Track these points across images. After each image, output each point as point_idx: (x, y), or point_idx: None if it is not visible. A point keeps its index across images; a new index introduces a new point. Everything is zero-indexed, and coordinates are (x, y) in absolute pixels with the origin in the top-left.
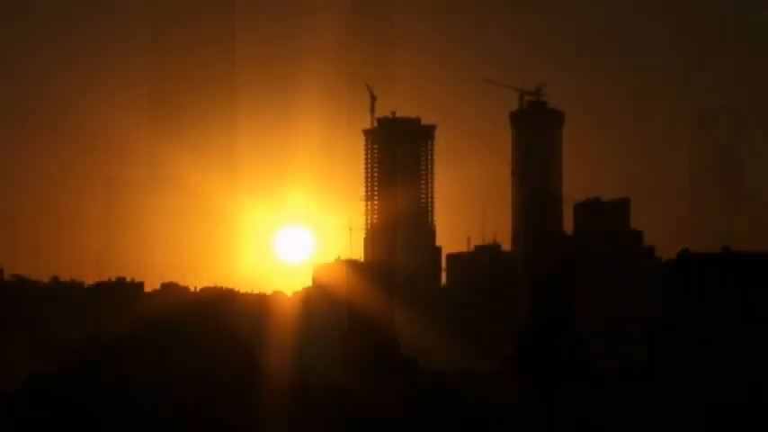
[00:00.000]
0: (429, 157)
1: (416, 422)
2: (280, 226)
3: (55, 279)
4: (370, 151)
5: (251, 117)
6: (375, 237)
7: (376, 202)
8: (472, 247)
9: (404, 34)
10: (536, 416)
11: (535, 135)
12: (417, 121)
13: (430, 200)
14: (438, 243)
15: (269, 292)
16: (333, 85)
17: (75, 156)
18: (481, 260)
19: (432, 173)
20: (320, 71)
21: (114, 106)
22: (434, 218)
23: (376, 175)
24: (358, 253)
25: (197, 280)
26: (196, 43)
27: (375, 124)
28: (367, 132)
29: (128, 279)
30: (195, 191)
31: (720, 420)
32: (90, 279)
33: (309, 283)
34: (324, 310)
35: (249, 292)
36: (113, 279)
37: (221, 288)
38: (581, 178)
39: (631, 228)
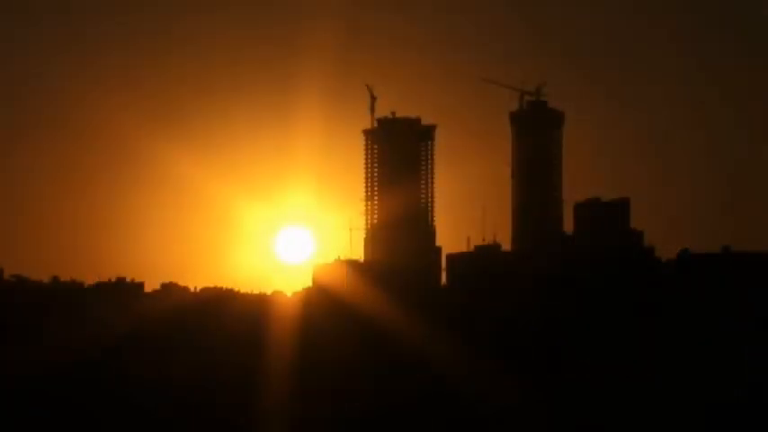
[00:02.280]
0: (429, 157)
1: (417, 422)
2: (280, 226)
3: (55, 279)
4: (370, 151)
5: (251, 117)
6: (375, 237)
7: (376, 202)
8: (472, 247)
9: (404, 34)
10: (536, 416)
11: (535, 135)
12: (417, 121)
13: (430, 200)
14: (438, 243)
15: (269, 292)
16: (333, 85)
17: (76, 156)
18: (481, 260)
19: (432, 173)
20: (320, 71)
21: (114, 106)
22: (434, 218)
23: (376, 175)
24: (358, 253)
25: (197, 280)
26: (196, 42)
27: (375, 124)
28: (367, 132)
29: (128, 279)
30: (195, 191)
31: (720, 420)
32: (90, 279)
33: (309, 283)
34: (324, 310)
35: (249, 292)
36: (113, 279)
37: (221, 288)
38: (581, 178)
39: (631, 228)
